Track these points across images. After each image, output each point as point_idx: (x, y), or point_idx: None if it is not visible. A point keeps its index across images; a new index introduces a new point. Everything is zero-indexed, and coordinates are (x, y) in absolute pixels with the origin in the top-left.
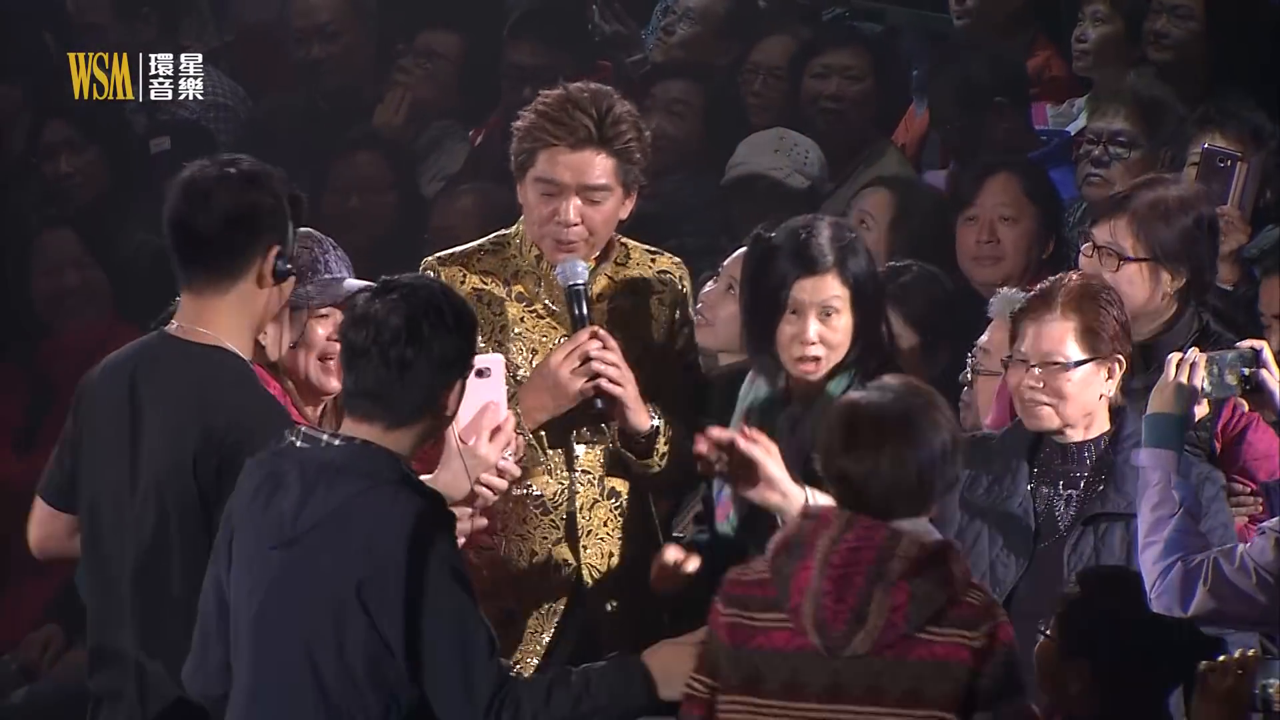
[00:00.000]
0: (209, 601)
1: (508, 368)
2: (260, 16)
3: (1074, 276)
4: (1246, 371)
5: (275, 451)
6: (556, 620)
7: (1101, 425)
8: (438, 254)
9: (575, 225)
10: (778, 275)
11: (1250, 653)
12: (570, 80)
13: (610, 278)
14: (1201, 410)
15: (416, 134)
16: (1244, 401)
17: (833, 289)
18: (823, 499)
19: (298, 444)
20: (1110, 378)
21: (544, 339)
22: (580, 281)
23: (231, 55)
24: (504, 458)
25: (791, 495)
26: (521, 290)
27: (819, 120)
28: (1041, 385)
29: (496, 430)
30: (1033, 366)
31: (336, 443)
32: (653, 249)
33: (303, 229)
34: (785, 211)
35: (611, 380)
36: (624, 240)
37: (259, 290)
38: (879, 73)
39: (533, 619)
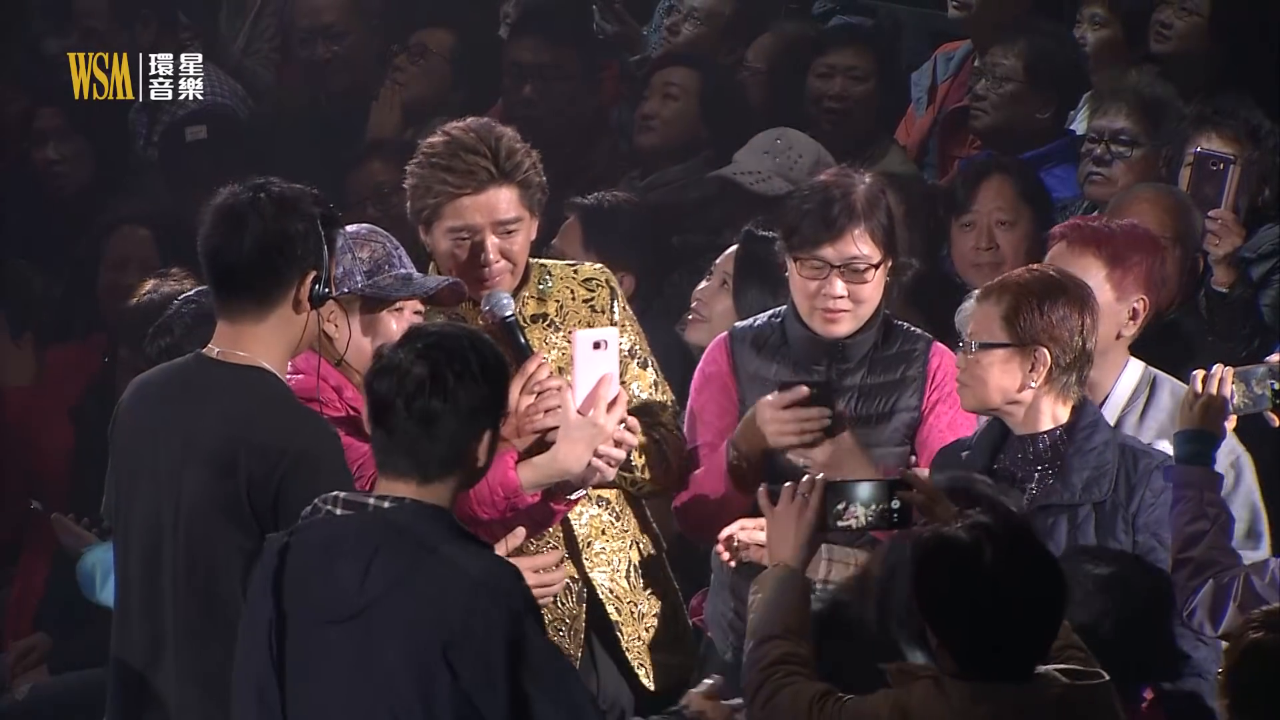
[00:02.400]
0: (247, 690)
1: None
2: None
3: (1031, 268)
4: (1277, 385)
5: (314, 523)
6: (582, 641)
7: (1054, 418)
8: None
9: (498, 262)
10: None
11: (819, 477)
12: (570, 79)
13: (538, 299)
14: (1230, 425)
15: (415, 132)
16: (1275, 416)
17: None
18: None
19: (338, 512)
20: (1034, 370)
21: None
22: (510, 313)
23: (267, 57)
24: (620, 428)
25: None
26: None
27: (823, 120)
28: (963, 366)
29: (614, 402)
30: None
31: (386, 505)
32: (571, 262)
33: (366, 225)
34: (763, 214)
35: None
36: (541, 261)
37: (296, 315)
38: (882, 72)
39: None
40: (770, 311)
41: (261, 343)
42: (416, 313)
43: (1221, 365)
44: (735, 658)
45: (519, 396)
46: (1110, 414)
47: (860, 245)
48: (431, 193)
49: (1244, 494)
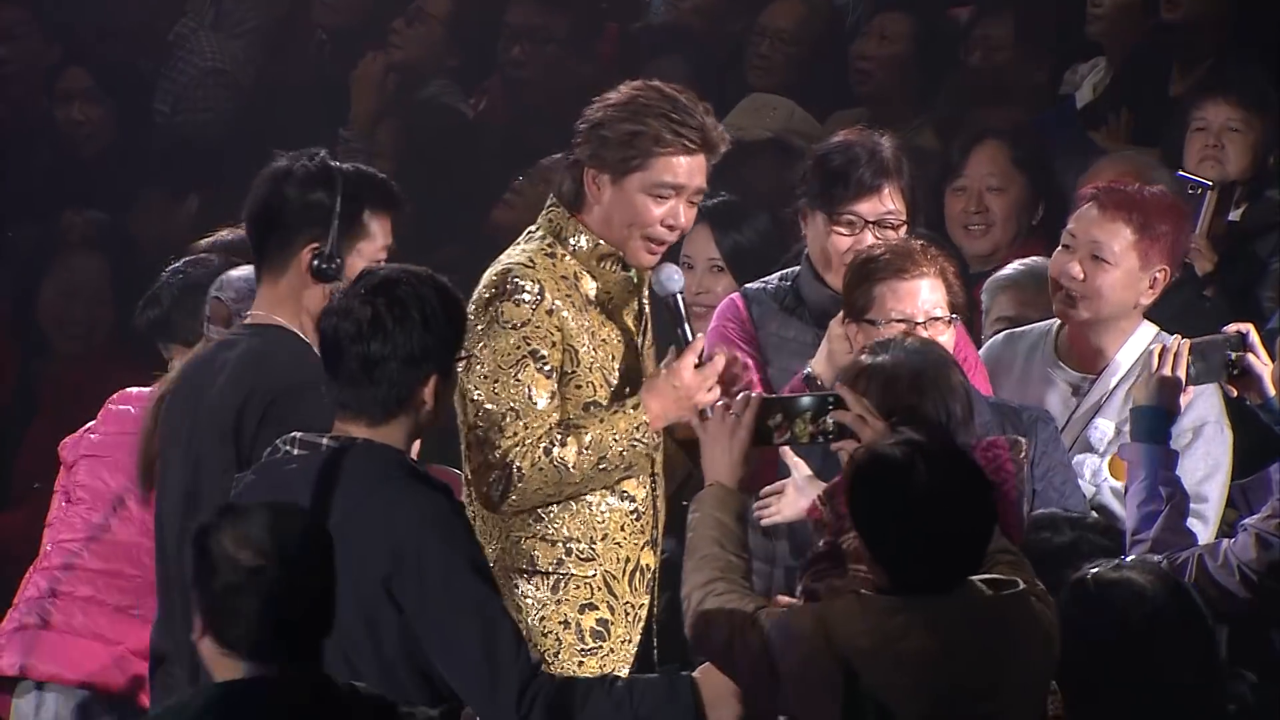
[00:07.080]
0: None
1: (597, 372)
2: None
3: (919, 240)
4: (1234, 356)
5: (273, 462)
6: (641, 625)
7: None
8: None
9: (681, 227)
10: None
11: (754, 394)
12: (559, 42)
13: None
14: (1186, 398)
15: (409, 96)
16: (1232, 387)
17: None
18: None
19: (295, 452)
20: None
21: (616, 338)
22: (680, 289)
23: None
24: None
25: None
26: (589, 293)
27: (853, 79)
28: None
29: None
30: (917, 326)
31: (336, 445)
32: None
33: None
34: (752, 159)
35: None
36: None
37: (303, 285)
38: (921, 41)
39: (622, 626)
40: (779, 274)
41: (279, 306)
42: None
43: (1178, 338)
44: None
45: (690, 377)
46: (1108, 381)
47: (893, 201)
48: (655, 141)
49: (1194, 463)
